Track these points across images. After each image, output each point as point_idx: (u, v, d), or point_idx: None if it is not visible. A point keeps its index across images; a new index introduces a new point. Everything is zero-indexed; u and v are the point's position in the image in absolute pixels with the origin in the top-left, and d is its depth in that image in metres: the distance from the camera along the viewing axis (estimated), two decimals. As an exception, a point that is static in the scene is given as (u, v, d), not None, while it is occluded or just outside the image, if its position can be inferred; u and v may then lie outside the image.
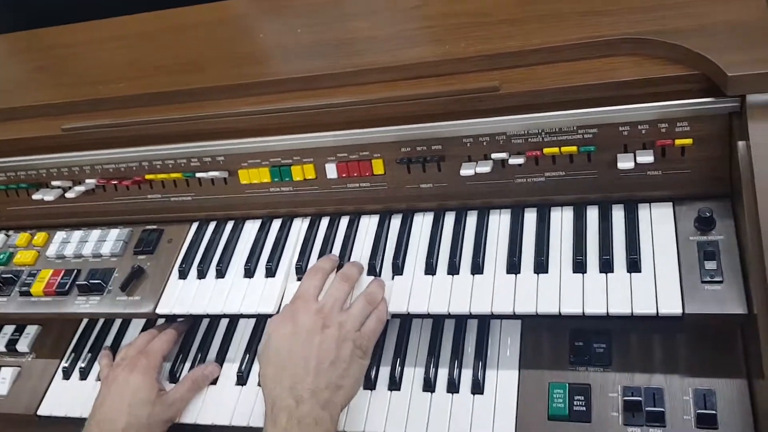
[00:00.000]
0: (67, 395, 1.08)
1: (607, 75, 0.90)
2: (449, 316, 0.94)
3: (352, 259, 1.01)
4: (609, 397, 0.86)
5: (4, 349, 1.15)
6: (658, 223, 0.91)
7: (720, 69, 0.82)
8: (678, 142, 0.89)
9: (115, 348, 1.11)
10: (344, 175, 1.04)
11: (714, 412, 0.81)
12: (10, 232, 1.21)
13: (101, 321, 1.16)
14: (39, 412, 1.07)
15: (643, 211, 0.93)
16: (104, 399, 0.96)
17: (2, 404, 1.09)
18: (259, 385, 0.97)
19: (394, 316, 0.97)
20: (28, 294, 1.10)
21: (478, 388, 0.91)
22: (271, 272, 1.03)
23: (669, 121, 0.89)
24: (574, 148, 0.93)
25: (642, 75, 0.88)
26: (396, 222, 1.03)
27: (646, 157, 0.90)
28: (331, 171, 1.04)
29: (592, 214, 0.95)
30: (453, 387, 0.92)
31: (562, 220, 0.96)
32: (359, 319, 0.91)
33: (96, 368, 1.09)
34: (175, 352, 1.07)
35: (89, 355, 1.11)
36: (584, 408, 0.86)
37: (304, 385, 0.84)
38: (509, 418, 0.87)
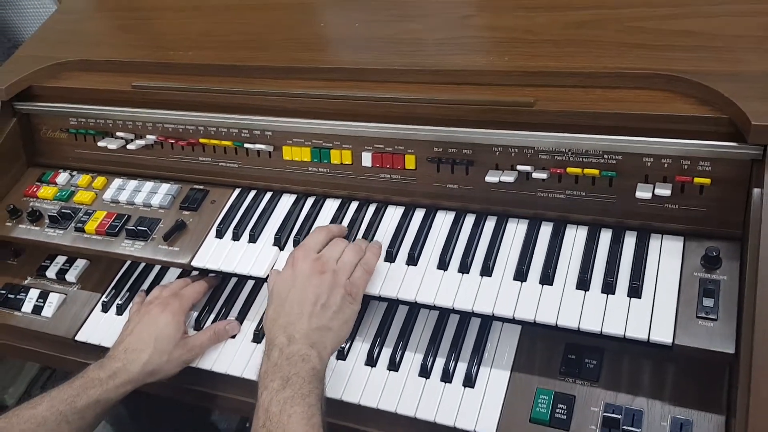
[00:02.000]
0: (103, 326, 1.18)
1: (638, 107, 0.94)
2: (453, 311, 1.00)
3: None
4: (590, 410, 0.90)
5: (54, 277, 1.26)
6: (667, 255, 0.94)
7: (746, 116, 0.85)
8: (697, 180, 0.92)
9: (149, 291, 1.21)
10: (378, 165, 1.10)
11: (686, 441, 0.85)
12: (74, 173, 1.33)
13: (142, 265, 1.26)
14: (77, 338, 1.17)
15: (654, 242, 0.96)
16: (134, 329, 1.06)
17: (46, 325, 1.20)
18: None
19: (403, 303, 1.03)
20: (82, 230, 1.21)
21: (469, 381, 0.96)
22: (298, 244, 1.10)
23: (691, 158, 0.92)
24: (596, 171, 0.97)
25: (671, 111, 0.92)
26: (419, 216, 1.09)
27: (664, 190, 0.93)
28: (367, 159, 1.11)
29: (605, 236, 0.99)
30: (447, 377, 0.98)
31: (575, 237, 1.00)
32: (349, 268, 0.99)
33: (130, 306, 1.19)
34: (202, 303, 1.16)
35: (127, 294, 1.21)
36: (565, 417, 0.90)
37: (296, 327, 0.92)
38: (493, 414, 0.92)
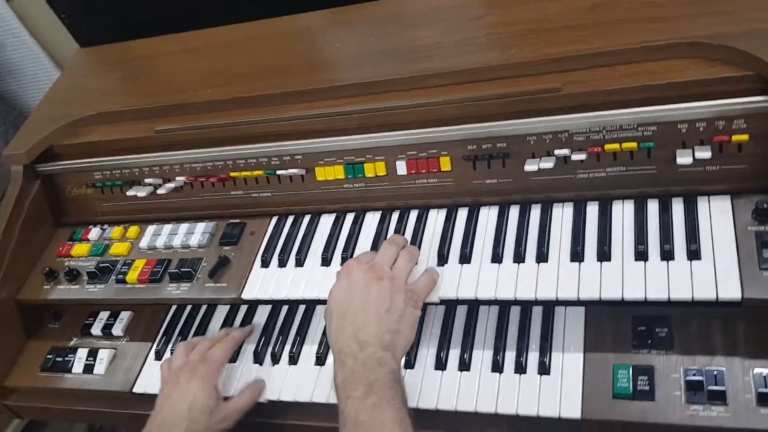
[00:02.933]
0: (158, 374, 1.17)
1: (665, 76, 0.96)
2: (515, 302, 1.00)
3: (421, 250, 1.08)
4: (671, 377, 0.91)
5: (100, 333, 1.25)
6: (717, 215, 0.96)
7: (773, 68, 0.87)
8: (735, 138, 0.94)
9: (201, 330, 1.20)
10: (413, 172, 1.11)
11: (773, 391, 0.85)
12: (105, 226, 1.32)
13: (189, 307, 1.25)
14: (134, 390, 1.16)
15: (702, 204, 0.98)
16: (165, 402, 1.01)
17: (101, 382, 1.19)
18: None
19: (461, 302, 1.04)
20: (123, 281, 1.21)
21: (544, 368, 0.96)
22: (346, 261, 1.10)
23: (726, 118, 0.94)
24: (634, 145, 0.99)
25: (698, 76, 0.94)
26: (462, 215, 1.10)
27: (704, 153, 0.95)
28: (401, 168, 1.12)
29: (653, 207, 1.00)
30: (520, 368, 0.98)
31: (623, 212, 1.01)
32: (405, 271, 1.00)
33: (185, 350, 1.18)
34: (257, 335, 1.15)
35: (179, 338, 1.20)
36: (648, 387, 0.90)
37: (366, 331, 0.91)
38: (575, 397, 0.92)
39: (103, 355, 1.21)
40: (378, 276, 0.97)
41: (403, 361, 1.03)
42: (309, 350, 1.11)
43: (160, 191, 1.25)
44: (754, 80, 0.92)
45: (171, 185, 1.25)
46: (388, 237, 1.10)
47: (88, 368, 1.20)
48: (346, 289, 0.97)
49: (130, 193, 1.27)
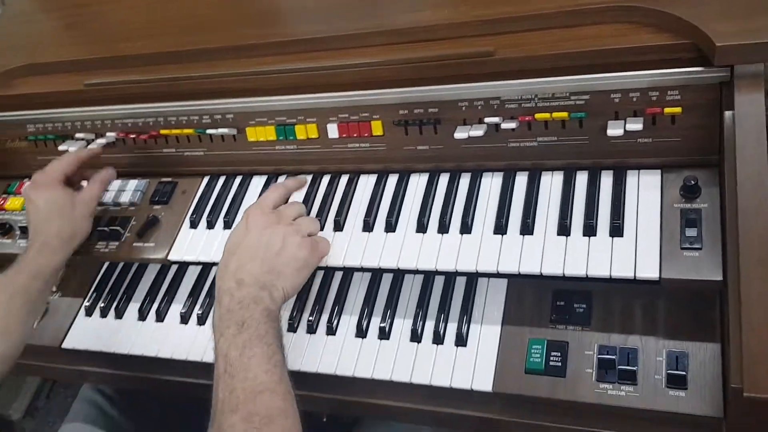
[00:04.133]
0: (88, 331, 1.16)
1: (599, 42, 0.91)
2: (437, 272, 0.98)
3: (348, 216, 1.05)
4: (585, 354, 0.90)
5: (33, 290, 1.24)
6: (645, 190, 0.93)
7: (709, 38, 0.83)
8: (668, 110, 0.90)
9: (131, 291, 1.19)
10: (345, 135, 1.08)
11: (684, 373, 0.84)
12: (39, 181, 1.29)
13: (120, 264, 1.23)
14: (63, 346, 1.16)
15: (632, 178, 0.95)
16: (29, 220, 1.11)
17: (31, 337, 1.17)
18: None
19: (386, 271, 1.02)
20: (54, 238, 1.19)
21: (461, 340, 0.95)
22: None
23: (660, 89, 0.90)
24: (565, 114, 0.95)
25: (631, 44, 0.89)
26: (392, 181, 1.07)
27: (636, 125, 0.91)
28: (333, 131, 1.08)
29: (582, 179, 0.97)
30: (438, 338, 0.97)
31: (551, 183, 0.99)
32: (305, 228, 0.98)
33: (114, 306, 1.17)
34: (185, 298, 1.14)
35: (109, 295, 1.19)
36: (560, 363, 0.89)
37: (247, 269, 0.90)
38: (488, 371, 0.92)
39: (34, 311, 1.20)
40: (276, 220, 0.96)
41: (324, 327, 1.02)
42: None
43: (92, 146, 1.22)
44: (690, 49, 0.87)
45: (102, 140, 1.21)
46: (328, 208, 1.08)
47: (20, 323, 1.19)
48: (242, 232, 0.96)
49: (62, 147, 1.24)
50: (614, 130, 0.92)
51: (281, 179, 1.14)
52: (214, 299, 0.91)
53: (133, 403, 1.24)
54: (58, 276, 1.11)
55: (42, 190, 1.11)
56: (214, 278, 1.13)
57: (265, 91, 1.09)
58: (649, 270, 0.86)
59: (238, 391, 0.79)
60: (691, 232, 0.86)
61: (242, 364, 0.81)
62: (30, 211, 1.11)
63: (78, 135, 1.23)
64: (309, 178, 1.12)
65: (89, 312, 1.18)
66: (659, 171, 0.94)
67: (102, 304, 1.18)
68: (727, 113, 0.85)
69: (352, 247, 1.01)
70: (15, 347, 1.01)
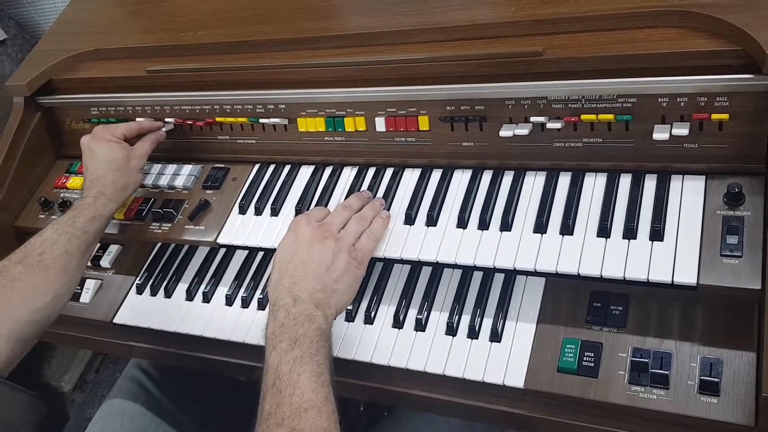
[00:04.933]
0: (139, 308, 1.21)
1: (649, 46, 0.92)
2: (475, 268, 1.00)
3: (391, 209, 1.08)
4: (618, 356, 0.90)
5: (89, 264, 1.30)
6: (688, 195, 0.93)
7: (759, 45, 0.82)
8: (715, 116, 0.90)
9: (180, 272, 1.24)
10: (392, 129, 1.10)
11: (717, 379, 0.83)
12: (100, 161, 1.35)
13: (172, 246, 1.28)
14: (114, 321, 1.21)
15: (675, 183, 0.95)
16: (87, 166, 1.18)
17: (85, 311, 1.24)
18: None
19: (425, 264, 1.04)
20: (111, 217, 1.25)
21: (496, 336, 0.97)
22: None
23: (708, 95, 0.90)
24: (611, 116, 0.95)
25: (683, 48, 0.89)
26: (436, 176, 1.09)
27: (682, 130, 0.91)
28: (380, 125, 1.11)
29: (625, 182, 0.98)
30: (473, 333, 0.98)
31: (594, 185, 0.99)
32: (353, 235, 1.00)
33: (164, 285, 1.22)
34: (230, 280, 1.18)
35: (160, 274, 1.24)
36: (593, 364, 0.90)
37: (302, 287, 0.93)
38: (521, 367, 0.93)
39: (90, 285, 1.26)
40: (324, 235, 0.98)
41: (362, 316, 1.05)
42: (277, 298, 1.13)
43: (158, 124, 1.27)
44: (740, 56, 0.87)
45: (170, 125, 1.27)
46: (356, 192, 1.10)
47: (75, 296, 1.25)
48: (291, 244, 0.98)
49: (123, 131, 1.30)
50: (660, 134, 0.92)
51: (327, 169, 1.17)
52: (269, 312, 0.93)
53: (174, 384, 1.29)
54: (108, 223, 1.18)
55: (102, 142, 1.18)
56: (259, 263, 1.19)
57: (316, 84, 1.13)
58: (687, 275, 0.86)
59: (285, 406, 0.81)
60: (732, 240, 0.86)
61: (291, 380, 0.83)
62: (88, 160, 1.18)
63: (138, 119, 1.29)
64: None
65: (140, 290, 1.24)
66: (703, 177, 0.93)
67: (152, 283, 1.23)
68: (776, 121, 0.84)
69: (392, 239, 1.04)
70: (70, 286, 1.07)
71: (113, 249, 1.31)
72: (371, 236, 1.02)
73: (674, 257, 0.88)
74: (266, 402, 0.82)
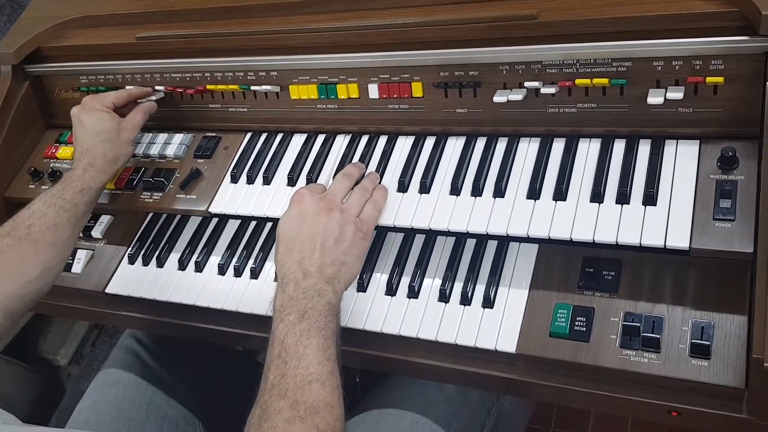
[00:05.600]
0: (131, 278, 1.21)
1: (644, 8, 0.90)
2: (468, 234, 1.00)
3: (384, 177, 1.07)
4: (610, 321, 0.90)
5: (80, 234, 1.29)
6: (682, 160, 0.92)
7: (755, 6, 0.81)
8: (710, 80, 0.89)
9: (172, 242, 1.23)
10: (385, 96, 1.09)
11: (708, 343, 0.83)
12: (90, 131, 1.34)
13: (164, 216, 1.28)
14: (107, 290, 1.21)
15: (669, 148, 0.94)
16: (77, 135, 1.17)
17: (76, 281, 1.24)
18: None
19: (419, 231, 1.04)
20: (101, 186, 1.24)
21: (488, 302, 0.97)
22: (311, 182, 1.11)
23: (703, 58, 0.89)
24: (606, 81, 0.94)
25: (678, 10, 0.88)
26: (429, 143, 1.08)
27: (677, 94, 0.91)
28: (373, 91, 1.10)
29: (619, 147, 0.97)
30: (466, 299, 0.98)
31: (588, 151, 0.98)
32: (357, 206, 0.99)
33: (156, 255, 1.21)
34: (223, 249, 1.18)
35: (151, 244, 1.23)
36: (584, 329, 0.90)
37: (311, 260, 0.92)
38: (513, 332, 0.93)
39: (81, 255, 1.26)
40: (328, 206, 0.96)
41: (355, 283, 1.04)
42: (271, 266, 1.12)
43: (141, 99, 1.26)
44: (736, 18, 0.86)
45: (152, 94, 1.25)
46: (351, 162, 1.10)
47: (67, 266, 1.25)
48: (296, 217, 0.97)
49: (113, 99, 1.28)
50: (655, 98, 0.92)
51: (320, 138, 1.16)
52: (277, 284, 0.92)
53: (169, 354, 1.29)
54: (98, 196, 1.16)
55: (91, 112, 1.16)
56: (252, 232, 1.18)
57: (308, 50, 1.12)
58: (680, 239, 0.85)
59: (289, 378, 0.80)
60: (725, 203, 0.86)
61: (297, 353, 0.83)
62: (77, 131, 1.16)
63: (128, 87, 1.27)
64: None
65: (132, 260, 1.23)
66: (698, 141, 0.93)
67: (144, 253, 1.22)
68: (770, 84, 0.83)
69: (386, 206, 1.03)
70: (60, 260, 1.06)
71: (104, 219, 1.30)
72: (375, 206, 1.01)
73: (667, 221, 0.87)
74: (270, 373, 0.82)
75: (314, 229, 0.95)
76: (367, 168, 1.09)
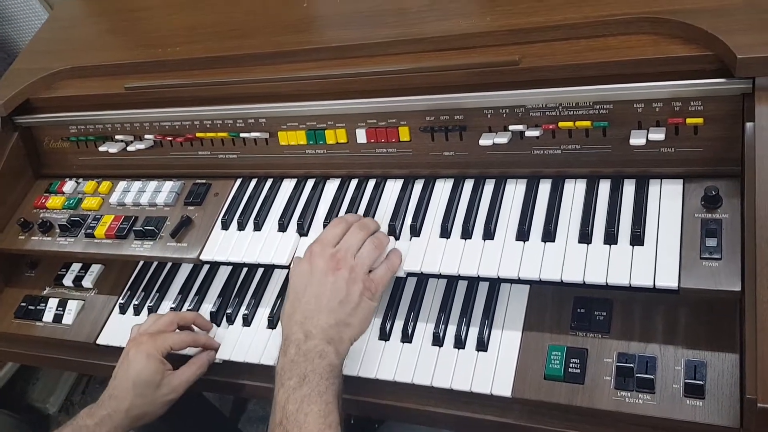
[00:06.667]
0: (122, 328, 1.20)
1: (623, 53, 0.93)
2: (459, 277, 1.00)
3: (375, 220, 1.08)
4: (604, 362, 0.90)
5: (71, 284, 1.29)
6: (667, 199, 0.94)
7: (730, 50, 0.84)
8: (690, 120, 0.91)
9: (164, 290, 1.23)
10: (373, 141, 1.11)
11: (702, 382, 0.84)
12: (80, 180, 1.35)
13: (155, 264, 1.27)
14: (98, 342, 1.20)
15: (654, 187, 0.96)
16: (116, 373, 1.04)
17: (67, 332, 1.23)
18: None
19: (410, 274, 1.04)
20: (92, 236, 1.24)
21: (482, 345, 0.97)
22: (302, 228, 1.11)
23: (682, 99, 0.91)
24: (588, 123, 0.96)
25: (656, 54, 0.91)
26: (418, 187, 1.09)
27: (658, 135, 0.92)
28: (361, 136, 1.11)
29: (604, 187, 0.98)
30: (459, 343, 0.98)
31: (574, 191, 1.00)
32: (368, 262, 0.97)
33: (147, 305, 1.21)
34: (215, 297, 1.18)
35: (143, 293, 1.23)
36: (579, 371, 0.90)
37: (314, 321, 0.91)
38: (508, 376, 0.93)
39: (72, 306, 1.25)
40: (338, 265, 0.95)
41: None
42: (263, 313, 1.13)
43: (130, 148, 1.27)
44: (712, 61, 0.88)
45: (141, 145, 1.26)
46: (355, 212, 1.10)
47: (58, 318, 1.25)
48: (305, 274, 0.96)
49: (102, 148, 1.29)
50: (637, 139, 0.93)
51: (309, 182, 1.17)
52: (280, 346, 0.92)
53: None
54: None
55: (140, 354, 1.02)
56: (243, 278, 1.18)
57: (296, 97, 1.13)
58: (669, 279, 0.86)
59: None
60: (711, 242, 0.87)
61: (297, 421, 0.82)
62: (119, 368, 1.04)
63: (118, 137, 1.28)
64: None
65: (123, 310, 1.23)
66: (681, 180, 0.94)
67: (136, 302, 1.22)
68: (749, 124, 0.85)
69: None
70: None
71: (95, 268, 1.30)
72: (390, 268, 0.99)
73: (655, 261, 0.88)
74: None
75: (320, 288, 0.93)
76: (357, 211, 1.10)
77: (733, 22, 0.86)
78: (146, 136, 1.26)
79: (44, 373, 2.20)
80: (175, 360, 1.07)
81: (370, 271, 0.98)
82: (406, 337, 1.02)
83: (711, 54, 0.88)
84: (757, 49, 0.82)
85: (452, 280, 1.05)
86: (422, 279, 1.07)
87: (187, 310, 1.17)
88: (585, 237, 0.94)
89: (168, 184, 1.26)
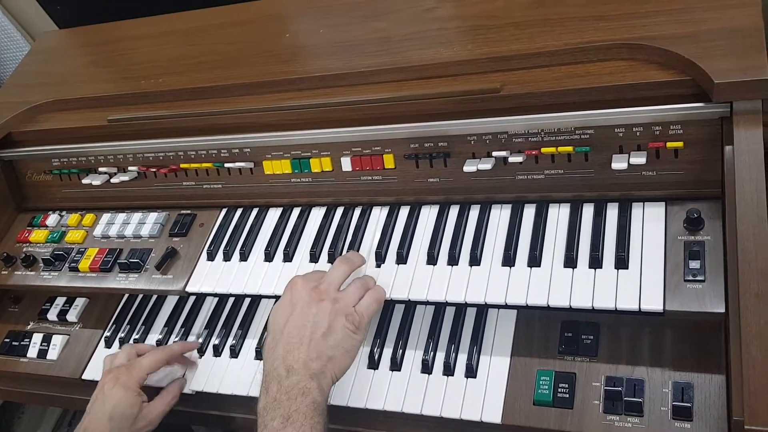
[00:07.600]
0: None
1: (603, 79, 0.94)
2: (447, 304, 1.00)
3: (361, 248, 1.08)
4: (592, 386, 0.91)
5: (55, 319, 1.27)
6: (650, 222, 0.95)
7: (708, 75, 0.85)
8: (670, 144, 0.93)
9: (149, 323, 1.22)
10: (358, 169, 1.11)
11: (689, 405, 0.85)
12: (64, 213, 1.34)
13: (140, 296, 1.26)
14: (83, 377, 1.18)
15: (637, 210, 0.97)
16: (92, 405, 1.02)
17: (52, 368, 1.21)
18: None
19: (398, 302, 1.04)
20: (76, 270, 1.23)
21: (471, 372, 0.97)
22: (288, 257, 1.11)
23: (662, 124, 0.93)
24: (570, 148, 0.97)
25: (635, 80, 0.92)
26: (404, 213, 1.10)
27: (639, 159, 0.94)
28: (346, 164, 1.11)
29: (588, 211, 0.99)
30: (448, 370, 0.98)
31: (558, 216, 1.00)
32: (353, 297, 0.95)
33: (133, 337, 1.20)
34: (201, 329, 1.17)
35: (128, 327, 1.22)
36: (567, 395, 0.91)
37: (296, 355, 0.88)
38: (497, 402, 0.93)
39: (57, 340, 1.24)
40: (320, 297, 0.93)
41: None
42: (250, 344, 1.12)
43: (114, 180, 1.26)
44: (690, 86, 0.90)
45: (125, 176, 1.26)
46: (342, 239, 1.10)
47: (42, 353, 1.23)
48: (286, 307, 0.94)
49: (85, 181, 1.28)
50: (619, 163, 0.94)
51: (295, 211, 1.17)
52: (261, 382, 0.90)
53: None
54: None
55: (116, 389, 1.01)
56: (230, 309, 1.17)
57: (280, 126, 1.14)
58: (654, 302, 0.87)
59: None
60: (694, 264, 0.88)
61: None
62: (95, 403, 1.02)
63: (101, 169, 1.28)
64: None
65: (109, 343, 1.21)
66: (663, 203, 0.96)
67: (121, 335, 1.21)
68: (728, 148, 0.87)
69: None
70: None
71: (79, 302, 1.28)
72: (375, 298, 0.97)
73: (640, 284, 0.89)
74: None
75: (303, 320, 0.91)
76: (344, 239, 1.10)
77: (709, 47, 0.88)
78: (130, 168, 1.26)
79: (29, 407, 2.16)
80: (150, 392, 1.06)
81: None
82: (395, 365, 1.01)
83: (689, 79, 0.89)
84: (733, 74, 0.83)
85: (440, 306, 1.05)
86: (410, 306, 1.07)
87: (174, 342, 1.16)
88: (570, 261, 0.94)
89: (152, 216, 1.25)
